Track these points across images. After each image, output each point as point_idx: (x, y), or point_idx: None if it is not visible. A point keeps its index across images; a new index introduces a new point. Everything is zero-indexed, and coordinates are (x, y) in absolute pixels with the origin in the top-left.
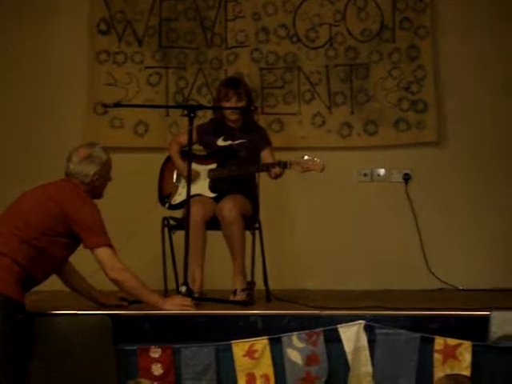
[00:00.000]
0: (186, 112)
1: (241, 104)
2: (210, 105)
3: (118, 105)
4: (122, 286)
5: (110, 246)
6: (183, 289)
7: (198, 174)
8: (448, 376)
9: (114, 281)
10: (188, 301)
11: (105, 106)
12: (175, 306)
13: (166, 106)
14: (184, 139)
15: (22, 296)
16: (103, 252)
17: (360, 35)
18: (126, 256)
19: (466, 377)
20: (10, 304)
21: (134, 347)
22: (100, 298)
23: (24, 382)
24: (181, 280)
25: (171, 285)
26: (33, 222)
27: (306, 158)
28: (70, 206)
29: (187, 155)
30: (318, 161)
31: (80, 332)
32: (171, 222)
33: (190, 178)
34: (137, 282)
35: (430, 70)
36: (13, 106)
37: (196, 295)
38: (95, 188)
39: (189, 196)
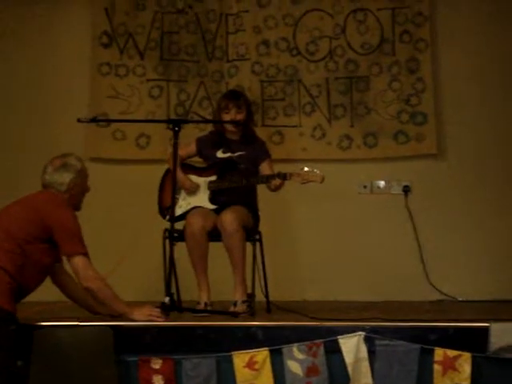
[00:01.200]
0: (170, 126)
1: (240, 116)
2: (212, 117)
3: (94, 120)
4: (94, 295)
5: (86, 254)
6: (166, 300)
7: (197, 187)
8: None
9: (88, 289)
10: (156, 311)
11: (79, 121)
12: (143, 316)
13: (149, 121)
14: (183, 152)
15: (13, 306)
16: (78, 260)
17: (360, 48)
18: (127, 267)
19: None
20: (2, 315)
21: (135, 358)
22: (97, 307)
23: None
24: (182, 290)
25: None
26: (15, 232)
27: (305, 169)
28: (49, 213)
29: (186, 167)
30: (318, 172)
31: (81, 343)
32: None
33: (175, 192)
34: (109, 291)
35: (429, 83)
36: (14, 117)
37: (205, 306)
38: (72, 197)
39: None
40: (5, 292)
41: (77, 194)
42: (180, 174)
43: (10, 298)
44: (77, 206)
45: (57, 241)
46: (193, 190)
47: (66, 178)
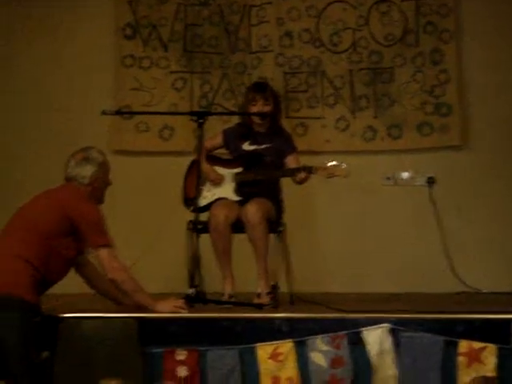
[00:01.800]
0: (194, 118)
1: (267, 108)
2: (235, 109)
3: (118, 112)
4: (119, 287)
5: (110, 246)
6: (191, 291)
7: (222, 178)
8: (480, 377)
9: (112, 281)
10: (180, 302)
11: (104, 113)
12: (167, 308)
13: (174, 113)
14: (209, 144)
15: (37, 298)
16: (103, 252)
17: (383, 39)
18: (151, 258)
19: (495, 378)
20: (26, 307)
21: (160, 350)
22: (121, 298)
23: None
24: (206, 283)
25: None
26: (40, 225)
27: (331, 163)
28: (73, 206)
29: (211, 159)
30: (344, 166)
31: (106, 335)
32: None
33: (200, 183)
34: (134, 283)
35: (453, 74)
36: (38, 110)
37: (229, 297)
38: (94, 190)
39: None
40: (29, 284)
41: (99, 187)
42: (205, 166)
43: (34, 290)
44: (99, 199)
45: (82, 234)
46: (218, 182)
47: (88, 171)
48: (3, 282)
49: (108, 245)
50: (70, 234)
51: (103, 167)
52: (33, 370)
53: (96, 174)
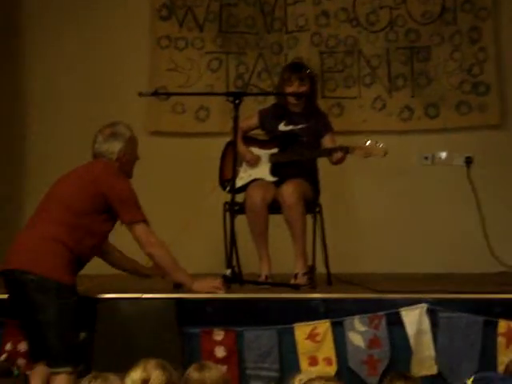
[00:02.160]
0: (230, 99)
1: (303, 88)
2: (271, 90)
3: (155, 93)
4: (156, 261)
5: (146, 221)
6: (228, 272)
7: (258, 159)
8: None
9: (150, 255)
10: (218, 282)
11: (141, 95)
12: (204, 288)
13: (210, 94)
14: (245, 124)
15: (73, 278)
16: (139, 228)
17: (421, 17)
18: (188, 240)
19: None
20: (63, 289)
21: (198, 330)
22: (143, 269)
23: (88, 366)
24: (243, 263)
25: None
26: (73, 204)
27: (368, 143)
28: (105, 182)
29: (247, 140)
30: (381, 145)
31: (144, 315)
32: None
33: (236, 163)
34: (171, 258)
35: (491, 52)
36: (75, 91)
37: (266, 278)
38: (123, 165)
39: (234, 182)
40: (64, 265)
41: (127, 162)
42: (241, 147)
43: (70, 271)
44: (128, 174)
45: (116, 210)
46: (253, 163)
47: (116, 146)
48: (40, 264)
49: (144, 220)
50: (104, 212)
51: (131, 142)
52: (71, 350)
53: (124, 150)
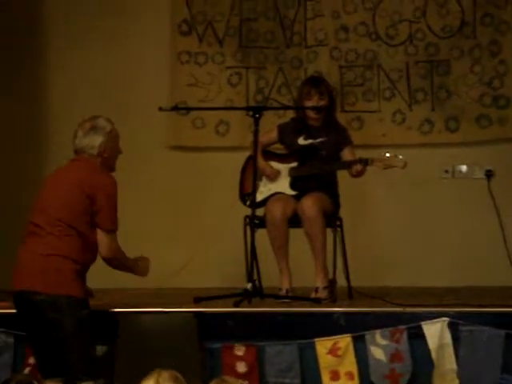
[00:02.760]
0: (250, 113)
1: (322, 103)
2: (291, 104)
3: (175, 108)
4: (115, 266)
5: (115, 232)
6: (249, 286)
7: (278, 173)
8: None
9: (107, 259)
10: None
11: (161, 109)
12: (144, 271)
13: (231, 108)
14: (265, 139)
15: (82, 291)
16: (108, 237)
17: (440, 31)
18: (209, 254)
19: None
20: (74, 303)
21: (219, 345)
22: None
23: (110, 380)
24: (264, 277)
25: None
26: (67, 217)
27: (387, 154)
28: (89, 183)
29: (267, 154)
30: (400, 157)
31: (165, 330)
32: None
33: (256, 178)
34: (126, 263)
35: (511, 65)
36: (95, 104)
37: (287, 292)
38: (105, 160)
39: (254, 196)
40: (72, 279)
41: (109, 157)
42: (261, 161)
43: (78, 283)
44: (111, 168)
45: (97, 209)
46: (273, 177)
47: (96, 140)
48: (48, 283)
49: (115, 231)
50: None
51: (112, 136)
52: (90, 364)
53: (105, 144)
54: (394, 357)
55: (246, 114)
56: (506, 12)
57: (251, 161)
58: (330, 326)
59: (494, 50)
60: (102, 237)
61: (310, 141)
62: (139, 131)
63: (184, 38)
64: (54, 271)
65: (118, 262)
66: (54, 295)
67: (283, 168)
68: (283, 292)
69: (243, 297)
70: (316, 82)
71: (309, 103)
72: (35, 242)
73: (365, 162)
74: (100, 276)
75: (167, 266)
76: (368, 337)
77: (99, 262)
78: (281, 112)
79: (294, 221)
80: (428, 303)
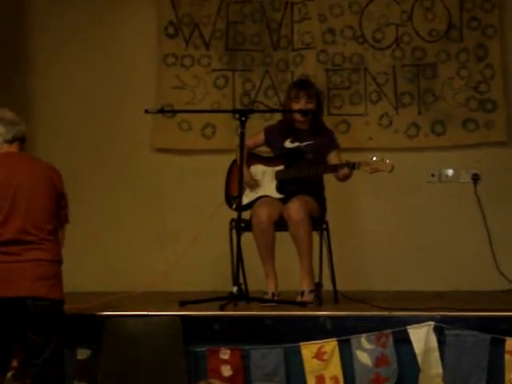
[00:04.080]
0: (237, 116)
1: (310, 106)
2: (277, 107)
3: (161, 111)
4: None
5: None
6: (234, 289)
7: (257, 184)
8: None
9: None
10: None
11: (147, 112)
12: None
13: (216, 111)
14: (251, 142)
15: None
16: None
17: (427, 35)
18: (194, 256)
19: None
20: (60, 306)
21: (204, 349)
22: None
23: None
24: (250, 281)
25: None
26: (44, 220)
27: (374, 158)
28: (57, 179)
29: (253, 157)
30: (388, 161)
31: (150, 333)
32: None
33: (242, 180)
34: None
35: (498, 69)
36: (81, 108)
37: (273, 296)
38: None
39: (240, 199)
40: (60, 282)
41: None
42: (244, 168)
43: (62, 283)
44: None
45: (64, 206)
46: (252, 187)
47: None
48: (50, 288)
49: None
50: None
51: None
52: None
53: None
54: (379, 361)
55: (233, 116)
56: (493, 16)
57: (237, 164)
58: (315, 329)
59: (480, 54)
60: (63, 232)
61: (296, 144)
62: (126, 133)
63: (170, 41)
64: (50, 277)
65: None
66: (55, 300)
67: (270, 171)
68: (269, 295)
69: (229, 300)
70: (304, 85)
71: (296, 106)
72: (23, 249)
73: (352, 166)
74: (85, 279)
75: (153, 269)
76: (354, 341)
77: (86, 265)
78: (267, 115)
79: (281, 224)
80: (414, 307)
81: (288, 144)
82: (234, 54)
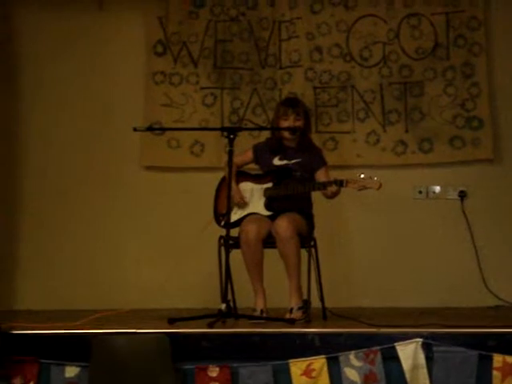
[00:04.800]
0: (225, 134)
1: (298, 124)
2: (265, 125)
3: (150, 128)
4: None
5: None
6: (223, 307)
7: (245, 204)
8: None
9: None
10: None
11: (136, 130)
12: None
13: (205, 129)
14: (240, 159)
15: None
16: None
17: (414, 53)
18: (184, 274)
19: None
20: None
21: (192, 366)
22: None
23: None
24: (238, 298)
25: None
26: None
27: (362, 176)
28: None
29: (242, 175)
30: (375, 179)
31: (138, 351)
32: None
33: (230, 198)
34: None
35: (484, 87)
36: (71, 126)
37: (261, 313)
38: None
39: (229, 217)
40: None
41: None
42: (233, 186)
43: None
44: None
45: None
46: (240, 206)
47: None
48: None
49: None
50: None
51: None
52: None
53: None
54: (367, 378)
55: (221, 134)
56: (479, 34)
57: (225, 181)
58: (304, 346)
59: (467, 72)
60: None
61: (285, 161)
62: (114, 151)
63: (159, 59)
64: None
65: None
66: None
67: (258, 188)
68: (257, 312)
69: (217, 318)
70: (293, 103)
71: (285, 123)
72: None
73: (340, 183)
74: (73, 297)
75: (142, 287)
76: (342, 358)
77: (74, 282)
78: (255, 133)
79: (269, 241)
80: (402, 324)
81: (276, 161)
82: (223, 72)
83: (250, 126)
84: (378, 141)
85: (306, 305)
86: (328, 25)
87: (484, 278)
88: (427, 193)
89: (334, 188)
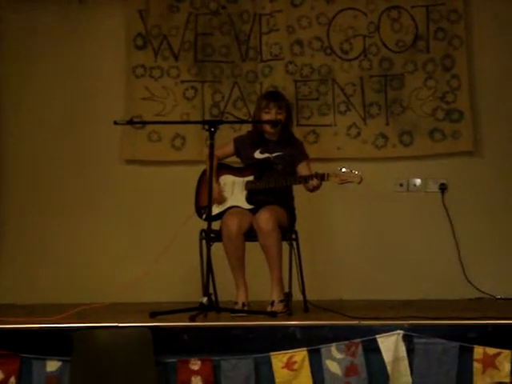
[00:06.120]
0: (206, 127)
1: (280, 117)
2: (246, 118)
3: (130, 122)
4: None
5: None
6: (204, 300)
7: (224, 199)
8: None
9: None
10: None
11: (116, 123)
12: None
13: (186, 122)
14: (220, 152)
15: None
16: None
17: (394, 46)
18: (165, 267)
19: None
20: None
21: (174, 360)
22: None
23: None
24: (220, 291)
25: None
26: None
27: (344, 169)
28: None
29: (223, 167)
30: (356, 173)
31: (120, 345)
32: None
33: (211, 191)
34: None
35: (464, 80)
36: (51, 120)
37: (243, 306)
38: None
39: (210, 210)
40: None
41: None
42: (213, 184)
43: None
44: None
45: None
46: (218, 202)
47: None
48: None
49: None
50: None
51: None
52: None
53: None
54: (349, 370)
55: (202, 127)
56: (459, 27)
57: (206, 175)
58: (285, 339)
59: (447, 65)
60: None
61: (266, 155)
62: (95, 145)
63: (139, 52)
64: None
65: None
66: None
67: (239, 181)
68: (239, 306)
69: (199, 311)
70: (275, 96)
71: (267, 116)
72: None
73: (321, 177)
74: (54, 291)
75: (123, 281)
76: (323, 350)
77: (55, 276)
78: (236, 126)
79: (250, 234)
80: (383, 316)
81: (257, 155)
82: (203, 66)
83: (231, 119)
84: (358, 134)
85: (287, 297)
86: (308, 18)
87: (465, 270)
88: (408, 186)
89: (315, 182)
